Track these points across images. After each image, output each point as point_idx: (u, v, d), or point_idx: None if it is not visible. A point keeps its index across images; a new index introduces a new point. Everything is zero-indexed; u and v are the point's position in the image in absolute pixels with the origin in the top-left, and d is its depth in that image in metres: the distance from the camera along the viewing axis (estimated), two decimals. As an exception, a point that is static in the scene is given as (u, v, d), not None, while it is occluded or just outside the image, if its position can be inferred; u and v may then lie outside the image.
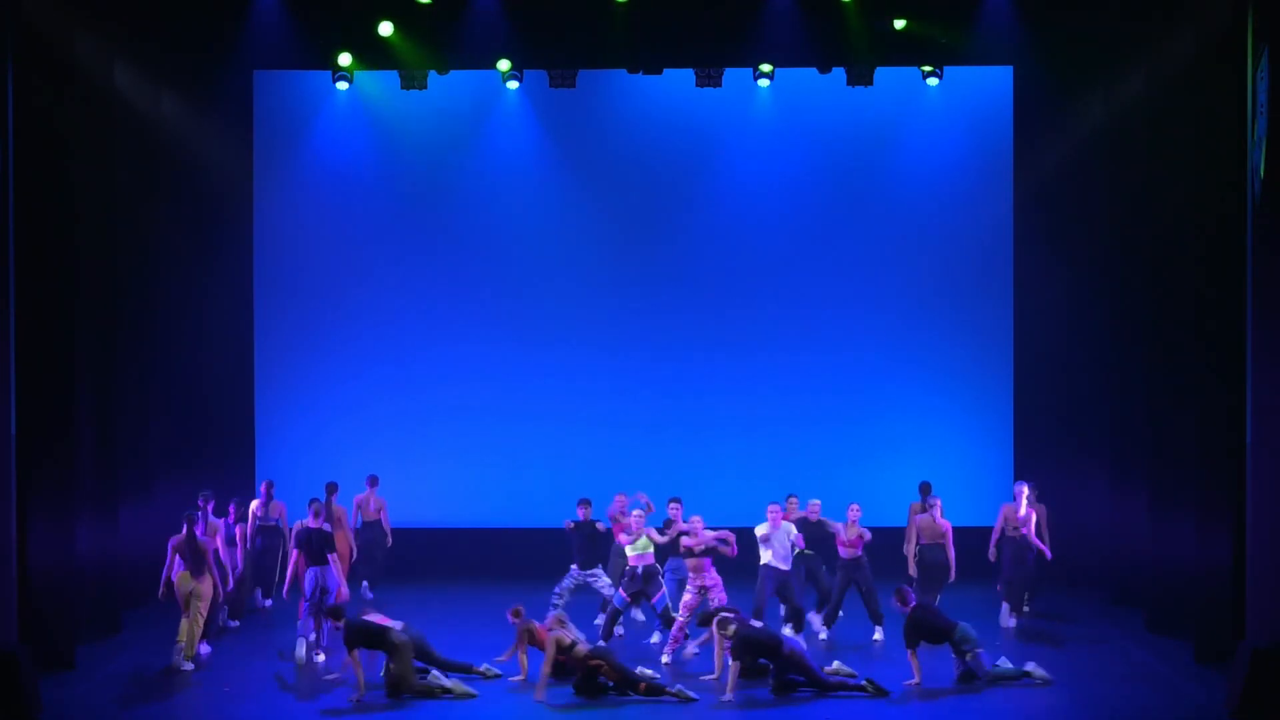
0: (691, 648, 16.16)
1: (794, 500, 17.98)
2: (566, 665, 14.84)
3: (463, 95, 21.80)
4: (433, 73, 20.25)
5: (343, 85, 20.51)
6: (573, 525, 17.54)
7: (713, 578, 16.27)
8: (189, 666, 15.90)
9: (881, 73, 20.22)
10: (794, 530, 17.05)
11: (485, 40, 18.76)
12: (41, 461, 15.71)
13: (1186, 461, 16.72)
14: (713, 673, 15.25)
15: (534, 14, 18.40)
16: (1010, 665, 15.23)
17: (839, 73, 20.16)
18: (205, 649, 16.59)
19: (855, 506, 17.61)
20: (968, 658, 15.09)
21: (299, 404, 22.25)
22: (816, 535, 17.63)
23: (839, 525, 17.59)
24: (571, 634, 14.90)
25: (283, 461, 21.20)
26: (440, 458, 21.96)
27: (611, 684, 14.61)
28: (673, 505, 17.35)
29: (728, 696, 14.46)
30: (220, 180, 21.85)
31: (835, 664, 15.32)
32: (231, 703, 14.63)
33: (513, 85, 20.78)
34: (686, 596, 16.31)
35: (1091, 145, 20.57)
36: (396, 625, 15.17)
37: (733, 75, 20.80)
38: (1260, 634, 13.88)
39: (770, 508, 17.12)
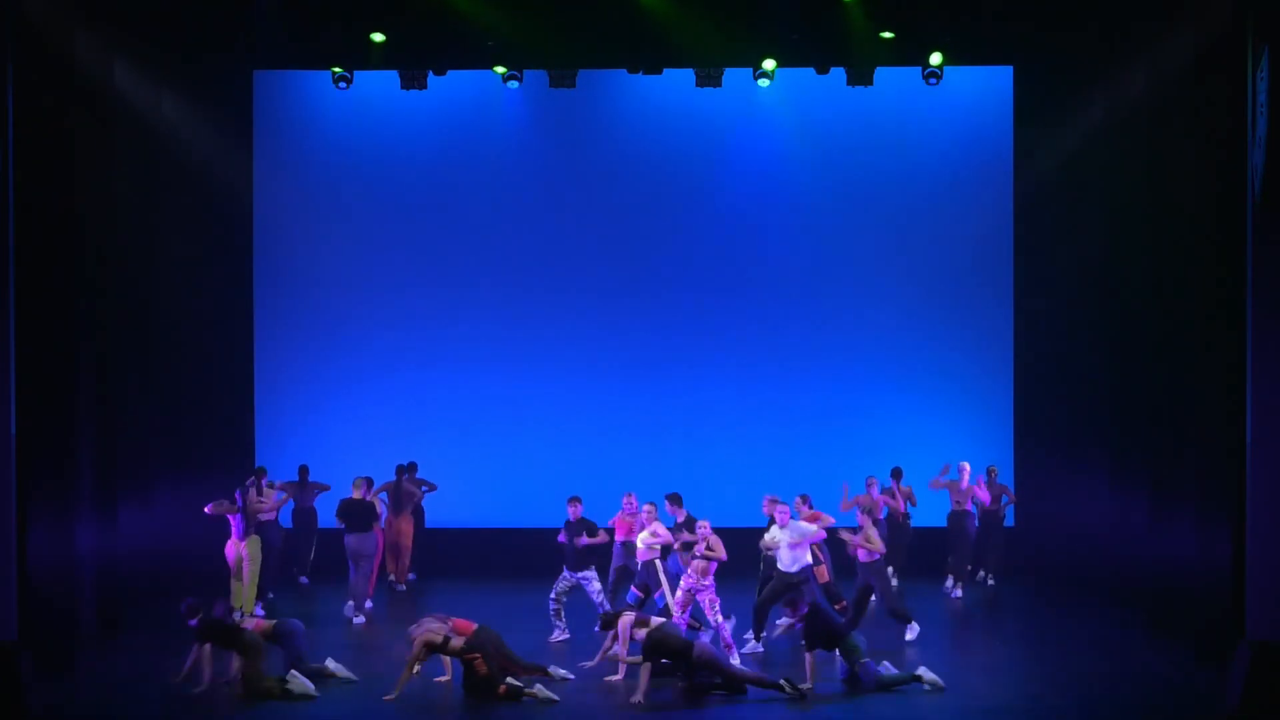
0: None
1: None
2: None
3: (463, 95, 21.82)
4: (432, 73, 20.26)
5: (343, 85, 20.51)
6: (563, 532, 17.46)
7: (706, 579, 16.24)
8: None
9: (881, 73, 20.22)
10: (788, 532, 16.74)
11: (485, 40, 18.75)
12: (41, 461, 15.70)
13: (1186, 461, 16.71)
14: (616, 674, 15.21)
15: (534, 14, 18.39)
16: (896, 672, 15.00)
17: (839, 73, 20.16)
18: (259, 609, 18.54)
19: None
20: (855, 667, 14.90)
21: (299, 404, 22.27)
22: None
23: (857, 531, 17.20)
24: (442, 631, 14.72)
25: (283, 461, 21.18)
26: (440, 458, 21.95)
27: (483, 675, 14.48)
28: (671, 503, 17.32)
29: (638, 698, 14.34)
30: (220, 180, 21.86)
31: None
32: (231, 701, 14.63)
33: (513, 85, 20.80)
34: (679, 594, 16.29)
35: (1091, 145, 20.57)
36: (269, 624, 15.24)
37: (733, 75, 20.81)
38: (1260, 634, 13.88)
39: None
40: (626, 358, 22.35)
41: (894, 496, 20.35)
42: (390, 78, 20.66)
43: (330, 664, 15.35)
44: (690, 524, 16.86)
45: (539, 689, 14.45)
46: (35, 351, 15.37)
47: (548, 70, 20.61)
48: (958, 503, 20.43)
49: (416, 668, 14.62)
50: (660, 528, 16.77)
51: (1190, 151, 16.58)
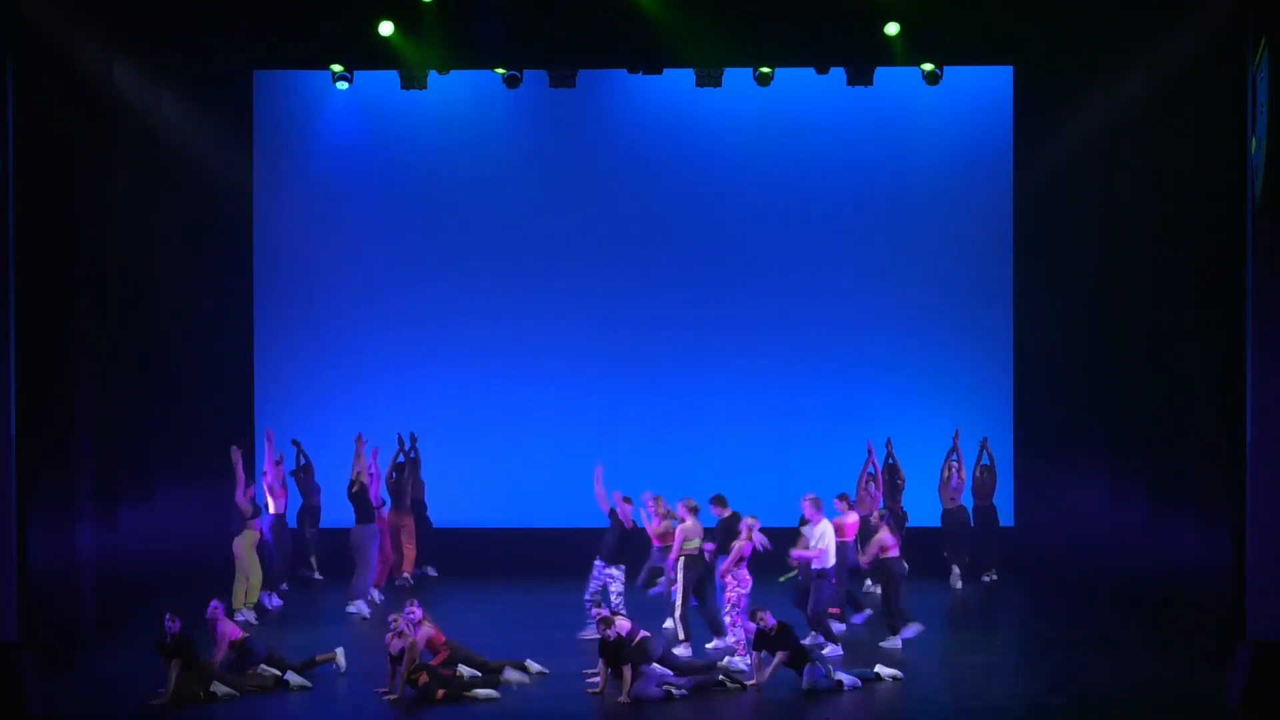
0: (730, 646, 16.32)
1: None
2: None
3: (463, 95, 21.81)
4: (433, 73, 20.25)
5: (343, 85, 20.50)
6: (614, 512, 17.40)
7: (744, 577, 16.27)
8: (246, 616, 18.16)
9: (881, 73, 20.20)
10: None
11: (485, 40, 18.75)
12: (41, 461, 15.70)
13: (1186, 461, 16.72)
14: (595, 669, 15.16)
15: (534, 14, 18.39)
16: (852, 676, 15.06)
17: (839, 73, 20.14)
18: (275, 602, 19.22)
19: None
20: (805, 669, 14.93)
21: (299, 404, 22.27)
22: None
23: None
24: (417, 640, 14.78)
25: (283, 460, 21.16)
26: (440, 458, 21.92)
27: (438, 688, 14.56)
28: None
29: (624, 699, 14.36)
30: (220, 180, 21.85)
31: (725, 660, 15.52)
32: (230, 702, 14.63)
33: (513, 86, 20.78)
34: (728, 594, 16.37)
35: (1091, 145, 20.57)
36: (241, 637, 15.23)
37: (733, 75, 20.80)
38: (1260, 634, 13.89)
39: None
40: (627, 357, 22.35)
41: (894, 494, 20.40)
42: (390, 78, 20.63)
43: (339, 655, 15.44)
44: (733, 521, 16.80)
45: (512, 674, 14.56)
46: (35, 352, 15.37)
47: (548, 70, 20.60)
48: (951, 499, 20.54)
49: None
50: (680, 530, 16.72)
51: (1190, 151, 16.58)
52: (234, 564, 18.75)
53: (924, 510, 20.92)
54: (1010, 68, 21.63)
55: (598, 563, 17.32)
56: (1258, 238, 14.12)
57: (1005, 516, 21.78)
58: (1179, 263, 17.14)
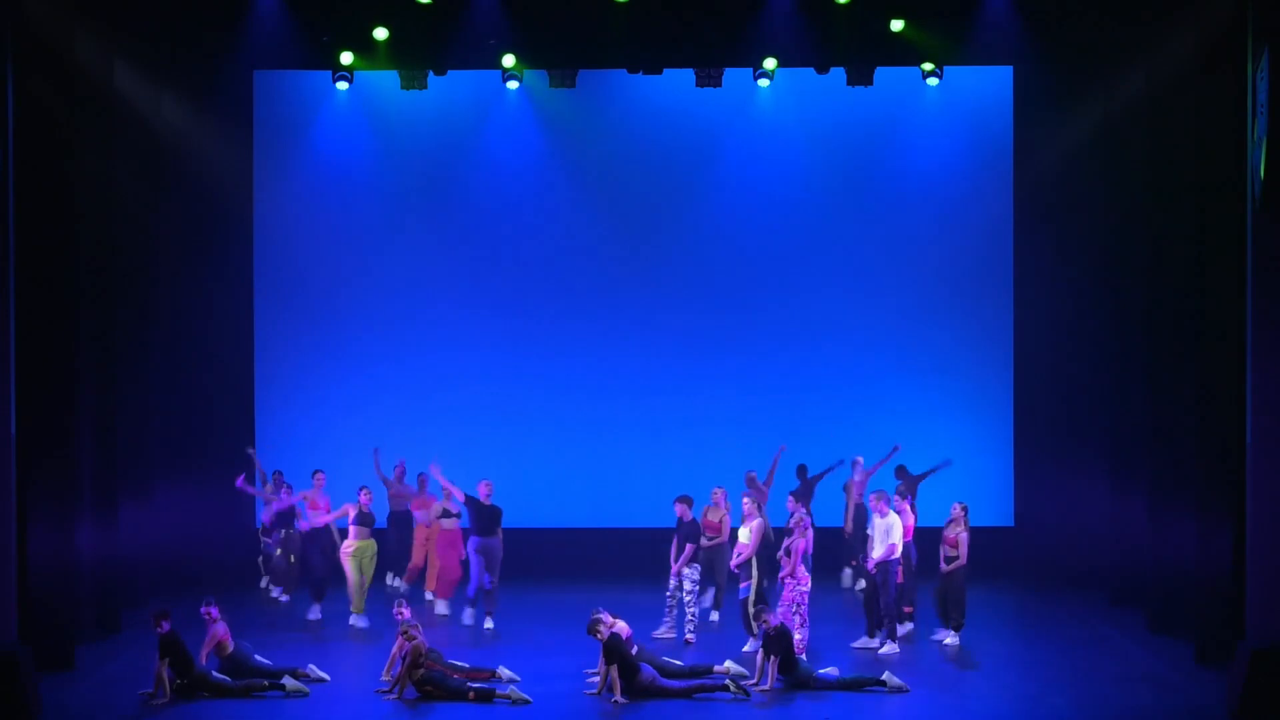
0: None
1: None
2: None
3: (463, 95, 21.80)
4: (432, 73, 20.24)
5: (343, 85, 20.48)
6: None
7: (801, 576, 16.23)
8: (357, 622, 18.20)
9: (881, 73, 20.19)
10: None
11: (485, 40, 18.74)
12: (41, 461, 15.70)
13: (1186, 461, 16.72)
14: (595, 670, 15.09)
15: (534, 14, 18.39)
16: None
17: (839, 73, 20.13)
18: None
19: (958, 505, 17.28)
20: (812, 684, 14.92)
21: (299, 404, 22.25)
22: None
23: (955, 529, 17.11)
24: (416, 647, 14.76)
25: (283, 462, 21.14)
26: (441, 458, 21.89)
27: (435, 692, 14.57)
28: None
29: (618, 699, 14.37)
30: (220, 180, 21.85)
31: (727, 663, 15.30)
32: (231, 702, 14.62)
33: (513, 85, 20.78)
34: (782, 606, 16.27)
35: (1091, 145, 20.58)
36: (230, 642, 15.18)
37: (733, 75, 20.79)
38: (1260, 634, 13.90)
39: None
40: (627, 356, 22.32)
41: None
42: (390, 78, 20.63)
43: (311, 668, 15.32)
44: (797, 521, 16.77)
45: (513, 689, 14.53)
46: (35, 351, 15.39)
47: (548, 70, 20.59)
48: (860, 496, 20.01)
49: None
50: (752, 523, 16.77)
51: (1190, 151, 16.58)
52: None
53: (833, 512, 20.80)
54: (1010, 68, 21.63)
55: (674, 567, 17.31)
56: (1258, 238, 14.13)
57: (1005, 516, 21.79)
58: (1179, 262, 17.14)
